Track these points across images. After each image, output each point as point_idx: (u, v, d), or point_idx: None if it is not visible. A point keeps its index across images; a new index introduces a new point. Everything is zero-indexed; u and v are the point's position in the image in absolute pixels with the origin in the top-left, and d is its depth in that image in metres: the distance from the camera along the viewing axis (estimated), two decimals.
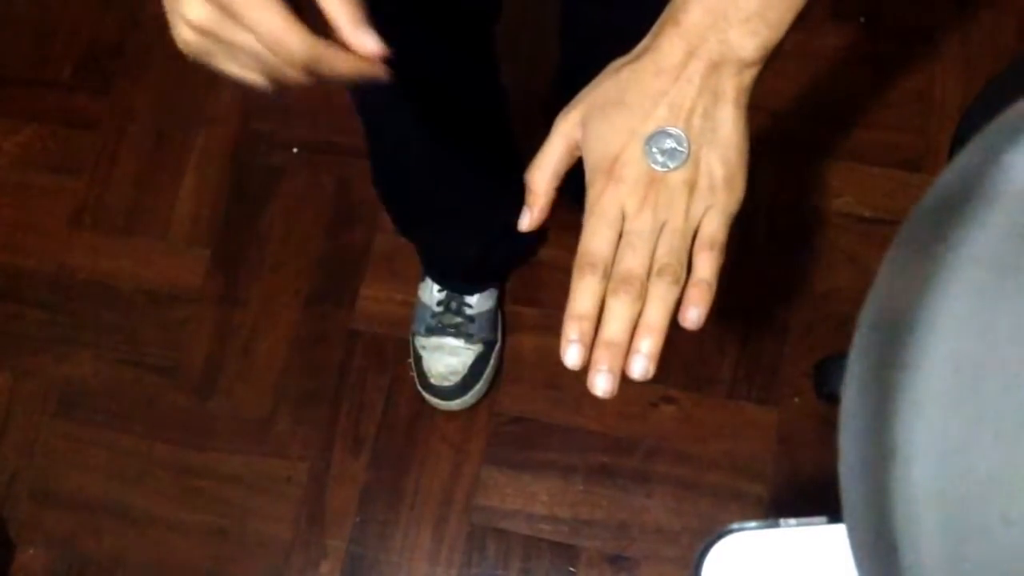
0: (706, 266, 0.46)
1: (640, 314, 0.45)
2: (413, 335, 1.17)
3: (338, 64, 0.43)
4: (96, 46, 1.38)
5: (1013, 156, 0.24)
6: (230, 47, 0.44)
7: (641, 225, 0.45)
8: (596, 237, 0.46)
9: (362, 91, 0.77)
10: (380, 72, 0.45)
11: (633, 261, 0.45)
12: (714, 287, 0.46)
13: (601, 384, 0.47)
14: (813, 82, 1.26)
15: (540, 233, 1.23)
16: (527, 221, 0.49)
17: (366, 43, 0.43)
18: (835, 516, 0.45)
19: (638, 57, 0.47)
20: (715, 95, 0.45)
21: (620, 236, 0.46)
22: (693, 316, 0.45)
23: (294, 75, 0.44)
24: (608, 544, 1.12)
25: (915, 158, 1.23)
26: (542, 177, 0.49)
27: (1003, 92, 0.76)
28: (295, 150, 1.29)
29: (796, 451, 1.13)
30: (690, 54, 0.45)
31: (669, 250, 0.45)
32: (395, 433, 1.17)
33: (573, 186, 1.41)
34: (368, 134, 0.89)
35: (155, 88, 1.35)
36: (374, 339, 1.21)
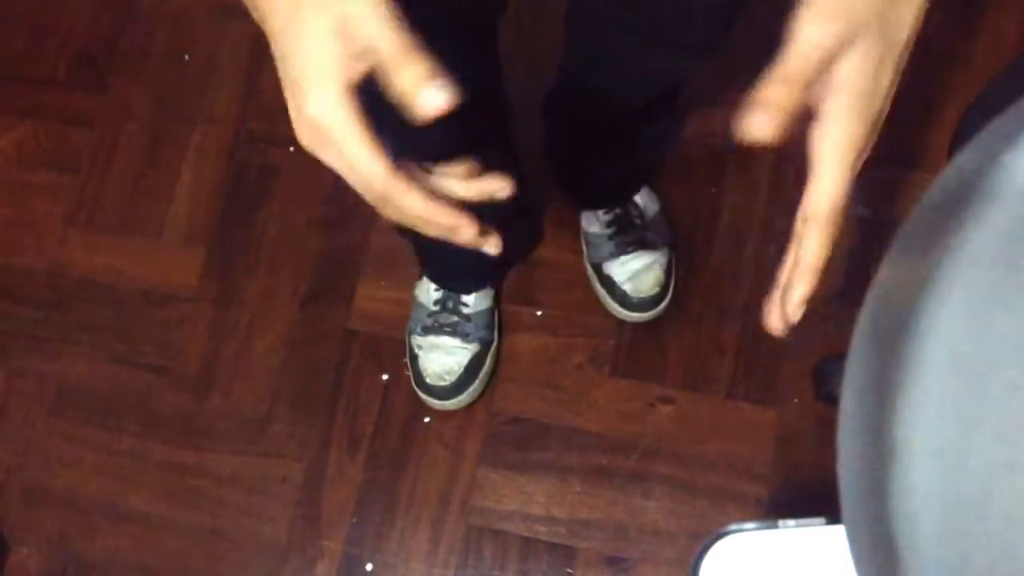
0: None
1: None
2: (409, 334, 1.17)
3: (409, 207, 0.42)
4: (92, 44, 1.37)
5: (1013, 156, 0.24)
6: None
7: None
8: (843, 190, 0.43)
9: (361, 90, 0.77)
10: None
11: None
12: None
13: None
14: None
15: (536, 232, 1.23)
16: (762, 124, 0.41)
17: (433, 101, 0.41)
18: (834, 517, 0.45)
19: None
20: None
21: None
22: None
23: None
24: (606, 545, 1.11)
25: (915, 158, 1.22)
26: (800, 80, 0.41)
27: (1004, 92, 0.76)
28: (291, 149, 1.29)
29: (795, 452, 1.13)
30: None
31: None
32: (391, 433, 1.17)
33: (587, 193, 1.36)
34: None
35: (151, 86, 1.34)
36: (370, 339, 1.21)
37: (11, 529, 1.17)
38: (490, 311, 1.17)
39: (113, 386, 1.22)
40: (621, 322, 1.18)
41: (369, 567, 1.13)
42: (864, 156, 0.44)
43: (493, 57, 0.86)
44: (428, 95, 0.40)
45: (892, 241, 0.27)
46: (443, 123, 0.43)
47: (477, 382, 1.15)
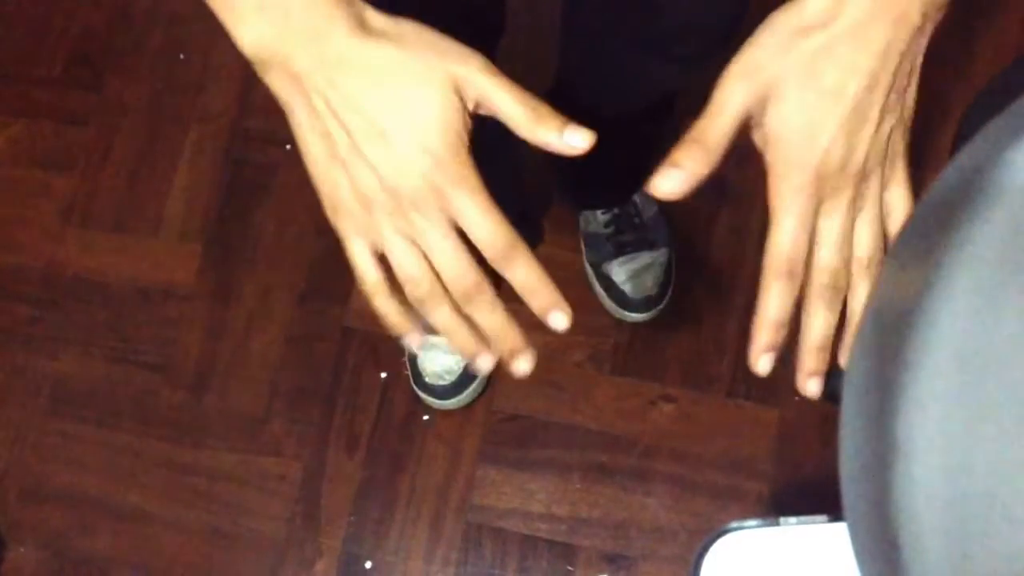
0: None
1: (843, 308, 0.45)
2: None
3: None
4: (87, 41, 1.37)
5: (1016, 153, 0.24)
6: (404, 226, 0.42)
7: (844, 225, 0.43)
8: (794, 239, 0.43)
9: None
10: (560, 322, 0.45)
11: (840, 263, 0.44)
12: None
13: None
14: None
15: (536, 235, 1.23)
16: (674, 184, 0.42)
17: (579, 139, 0.42)
18: (836, 515, 0.45)
19: (824, 25, 0.41)
20: (912, 65, 0.43)
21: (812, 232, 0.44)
22: None
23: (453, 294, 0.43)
24: (606, 543, 1.11)
25: (917, 156, 1.22)
26: (717, 144, 0.43)
27: (1006, 89, 0.76)
28: (288, 147, 1.29)
29: (796, 449, 1.13)
30: (894, 24, 0.41)
31: (873, 239, 0.44)
32: (390, 431, 1.17)
33: (586, 194, 1.35)
34: None
35: (147, 84, 1.34)
36: (368, 337, 1.21)
37: (8, 528, 1.17)
38: None
39: (110, 384, 1.21)
40: (620, 321, 1.18)
41: (368, 565, 1.13)
42: (824, 200, 0.43)
43: None
44: (571, 138, 0.42)
45: (894, 239, 0.27)
46: None
47: (476, 381, 1.15)
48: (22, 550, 1.16)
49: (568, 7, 0.87)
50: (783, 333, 0.46)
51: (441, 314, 0.44)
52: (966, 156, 0.25)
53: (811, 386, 0.47)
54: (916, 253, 0.25)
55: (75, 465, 1.19)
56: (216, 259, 1.26)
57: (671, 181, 0.42)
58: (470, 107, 0.42)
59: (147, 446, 1.19)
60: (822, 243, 0.43)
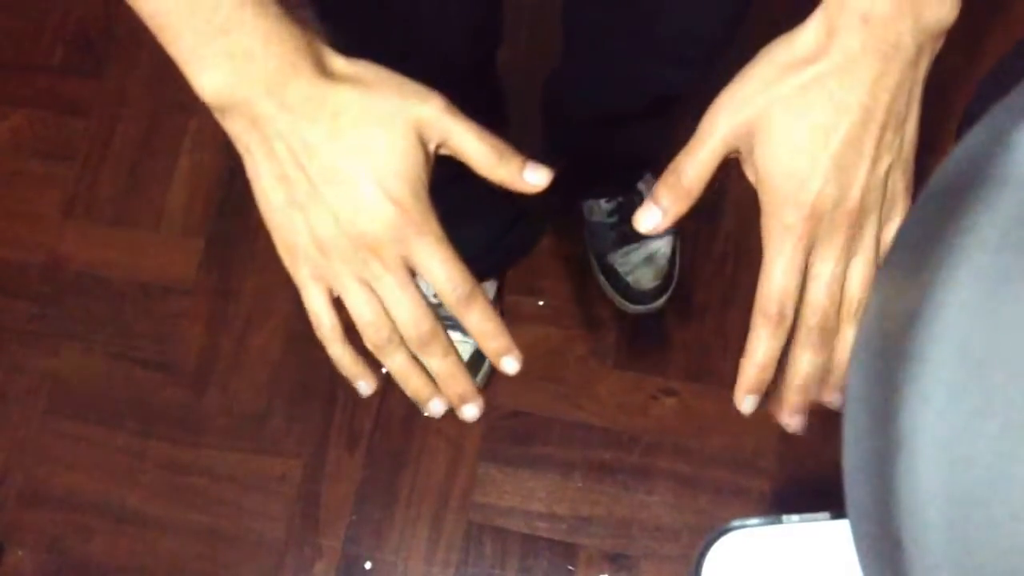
0: None
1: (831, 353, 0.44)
2: None
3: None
4: (87, 29, 1.36)
5: (1021, 137, 0.23)
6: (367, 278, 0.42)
7: (837, 267, 0.42)
8: (784, 281, 0.42)
9: None
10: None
11: (830, 305, 0.43)
12: None
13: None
14: None
15: (539, 228, 1.22)
16: (655, 221, 0.43)
17: (538, 178, 0.43)
18: (839, 512, 0.44)
19: (815, 59, 0.40)
20: (909, 98, 0.41)
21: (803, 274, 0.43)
22: None
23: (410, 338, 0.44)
24: (607, 542, 1.11)
25: (923, 140, 1.22)
26: (697, 178, 0.43)
27: (1011, 73, 0.75)
28: None
29: (799, 446, 1.12)
30: (886, 57, 0.40)
31: (864, 283, 0.43)
32: (391, 430, 1.17)
33: (589, 182, 1.35)
34: None
35: (148, 73, 1.33)
36: None
37: (6, 530, 1.16)
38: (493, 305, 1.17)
39: (110, 382, 1.21)
40: (623, 313, 1.17)
41: (368, 565, 1.12)
42: (818, 240, 0.42)
43: (494, 85, 0.85)
44: (531, 176, 0.43)
45: (897, 228, 0.26)
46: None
47: (479, 377, 1.14)
48: (20, 553, 1.16)
49: (568, 3, 0.87)
50: (769, 374, 0.45)
51: (396, 360, 0.44)
52: (972, 139, 0.24)
53: (794, 422, 0.46)
54: (920, 241, 0.24)
55: (74, 466, 1.18)
56: (217, 254, 1.25)
57: (651, 218, 0.43)
58: (432, 148, 0.42)
59: (147, 446, 1.18)
60: (814, 283, 0.42)
